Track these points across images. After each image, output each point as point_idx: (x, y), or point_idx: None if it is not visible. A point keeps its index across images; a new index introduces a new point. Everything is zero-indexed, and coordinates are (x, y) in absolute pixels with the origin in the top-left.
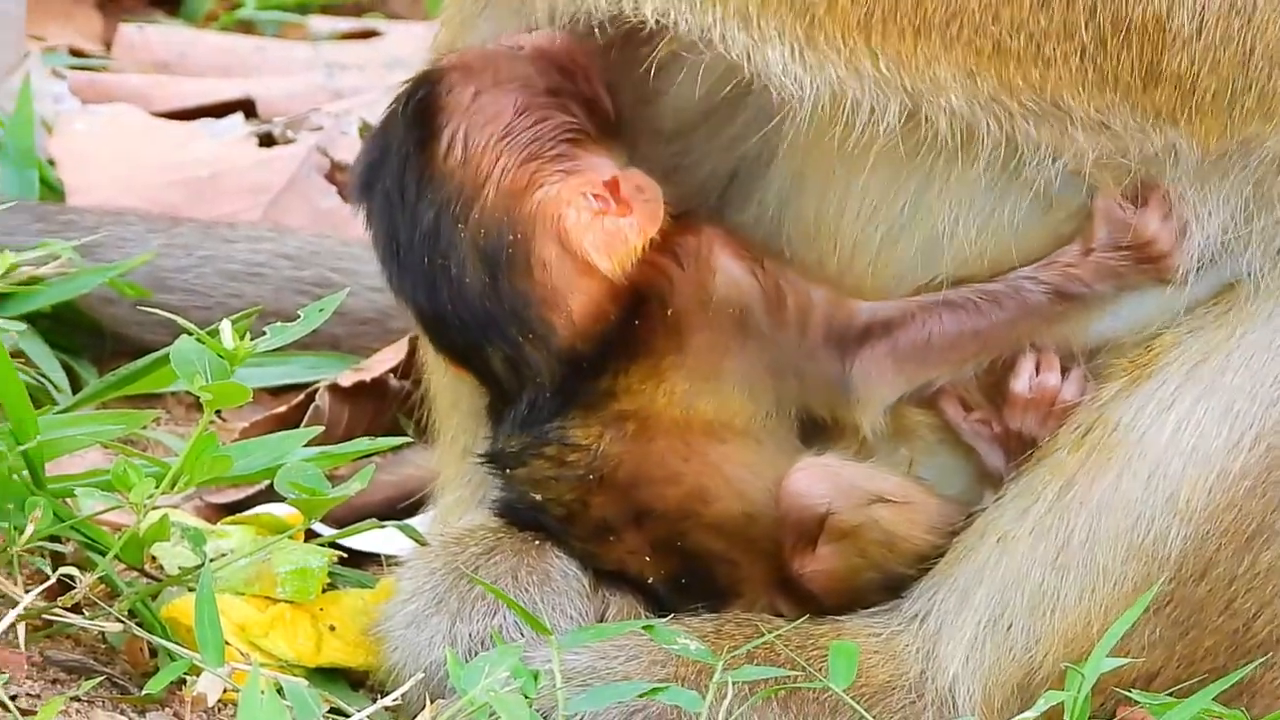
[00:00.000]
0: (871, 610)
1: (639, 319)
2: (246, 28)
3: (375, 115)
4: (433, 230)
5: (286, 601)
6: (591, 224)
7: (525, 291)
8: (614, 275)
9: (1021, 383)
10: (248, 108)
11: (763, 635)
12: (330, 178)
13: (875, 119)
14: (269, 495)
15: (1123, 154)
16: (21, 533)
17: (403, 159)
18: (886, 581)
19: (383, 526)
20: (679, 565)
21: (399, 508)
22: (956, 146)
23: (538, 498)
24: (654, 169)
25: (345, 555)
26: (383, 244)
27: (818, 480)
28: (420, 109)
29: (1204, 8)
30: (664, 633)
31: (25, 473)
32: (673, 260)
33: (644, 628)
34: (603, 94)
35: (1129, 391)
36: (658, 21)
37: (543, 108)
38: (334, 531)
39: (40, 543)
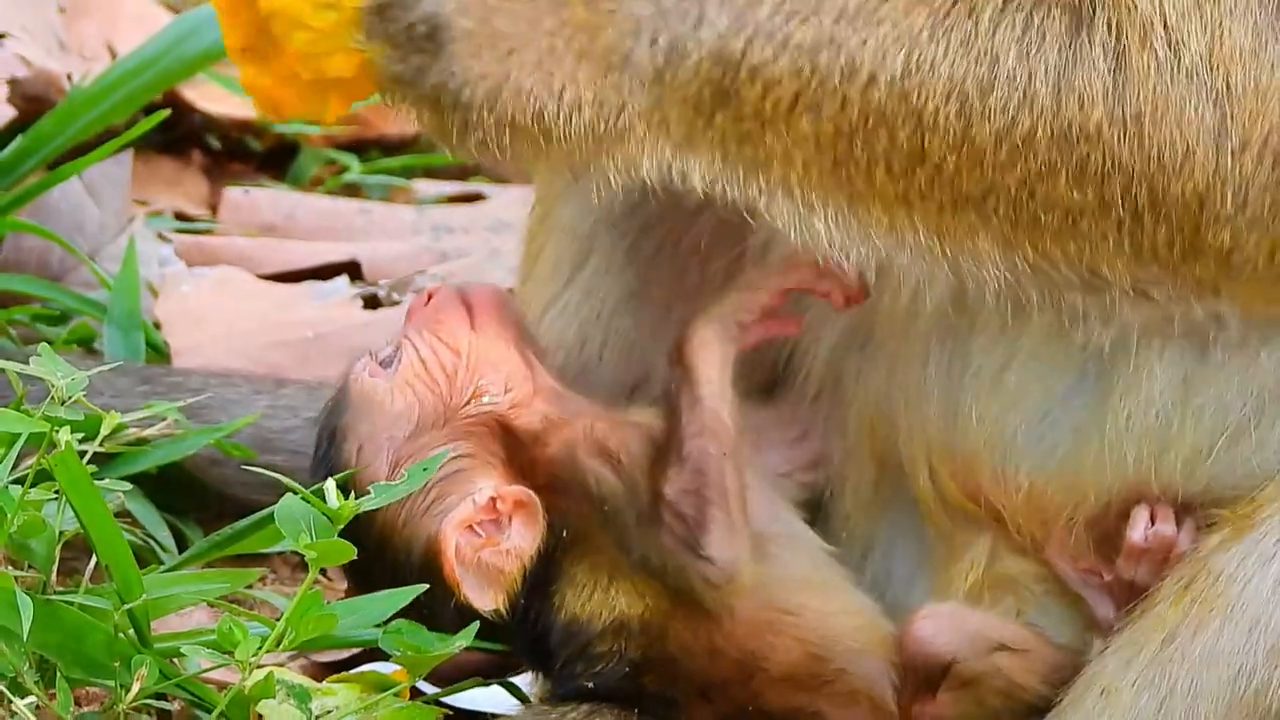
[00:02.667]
0: None
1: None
2: (352, 191)
3: (479, 278)
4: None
5: None
6: (472, 565)
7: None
8: (499, 605)
9: (1138, 533)
10: (353, 270)
11: None
12: None
13: (923, 288)
14: (374, 653)
15: (1168, 321)
16: (128, 691)
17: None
18: None
19: (487, 684)
20: None
21: (504, 664)
22: (1006, 317)
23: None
24: None
25: (450, 713)
26: None
27: (944, 628)
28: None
29: (1248, 183)
30: None
31: (131, 631)
32: (549, 489)
33: None
34: (505, 360)
35: (1231, 543)
36: (705, 192)
37: (423, 436)
38: (438, 690)
39: (146, 700)
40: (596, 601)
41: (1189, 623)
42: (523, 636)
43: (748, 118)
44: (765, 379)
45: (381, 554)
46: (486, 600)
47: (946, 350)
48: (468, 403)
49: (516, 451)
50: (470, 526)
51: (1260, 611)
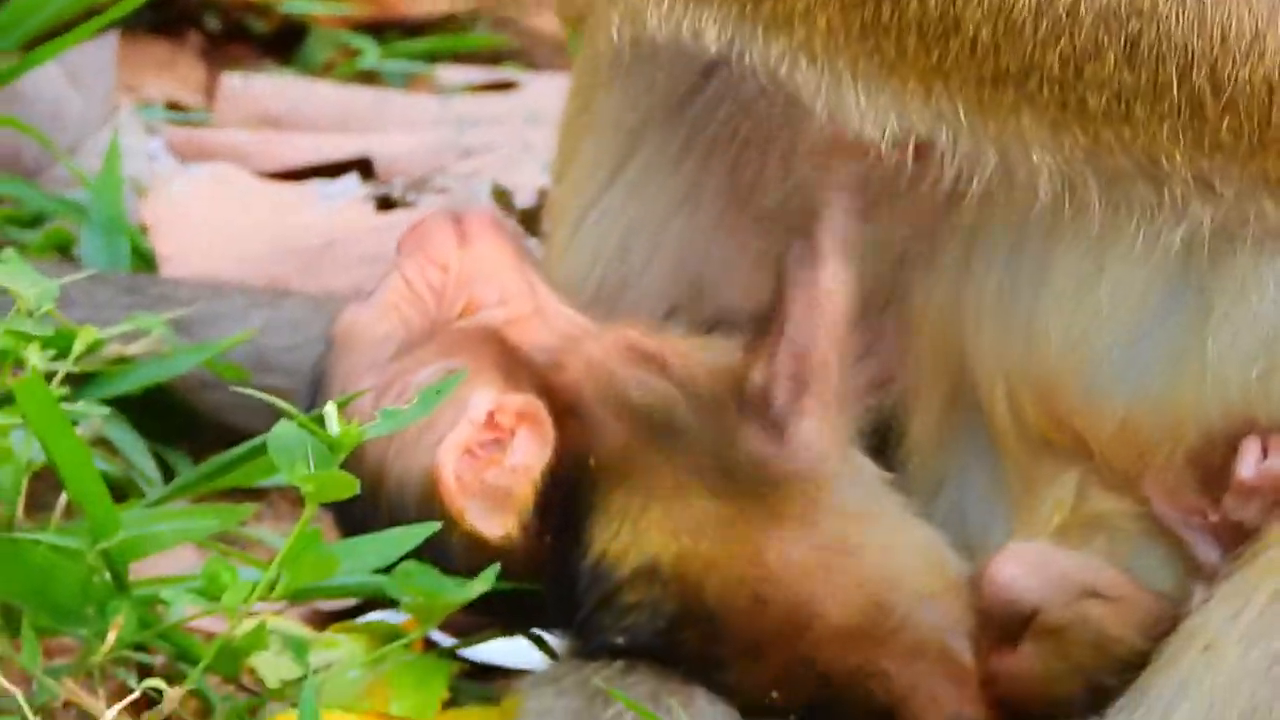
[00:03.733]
0: None
1: (569, 491)
2: (368, 79)
3: (509, 176)
4: None
5: (401, 719)
6: (475, 490)
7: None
8: (511, 531)
9: (1248, 467)
10: (365, 167)
11: None
12: None
13: (968, 171)
14: (382, 600)
15: (1241, 221)
16: (103, 641)
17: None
18: (1089, 690)
19: (510, 635)
20: (823, 689)
21: (527, 615)
22: (1086, 221)
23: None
24: None
25: (468, 667)
26: None
27: (1028, 570)
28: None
29: None
30: None
31: (107, 574)
32: (569, 415)
33: None
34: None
35: None
36: (719, 52)
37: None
38: (454, 641)
39: (124, 652)
40: (626, 537)
41: None
42: (546, 581)
43: None
44: None
45: (375, 496)
46: (495, 527)
47: (1023, 260)
48: (459, 315)
49: (520, 368)
50: (469, 449)
51: None
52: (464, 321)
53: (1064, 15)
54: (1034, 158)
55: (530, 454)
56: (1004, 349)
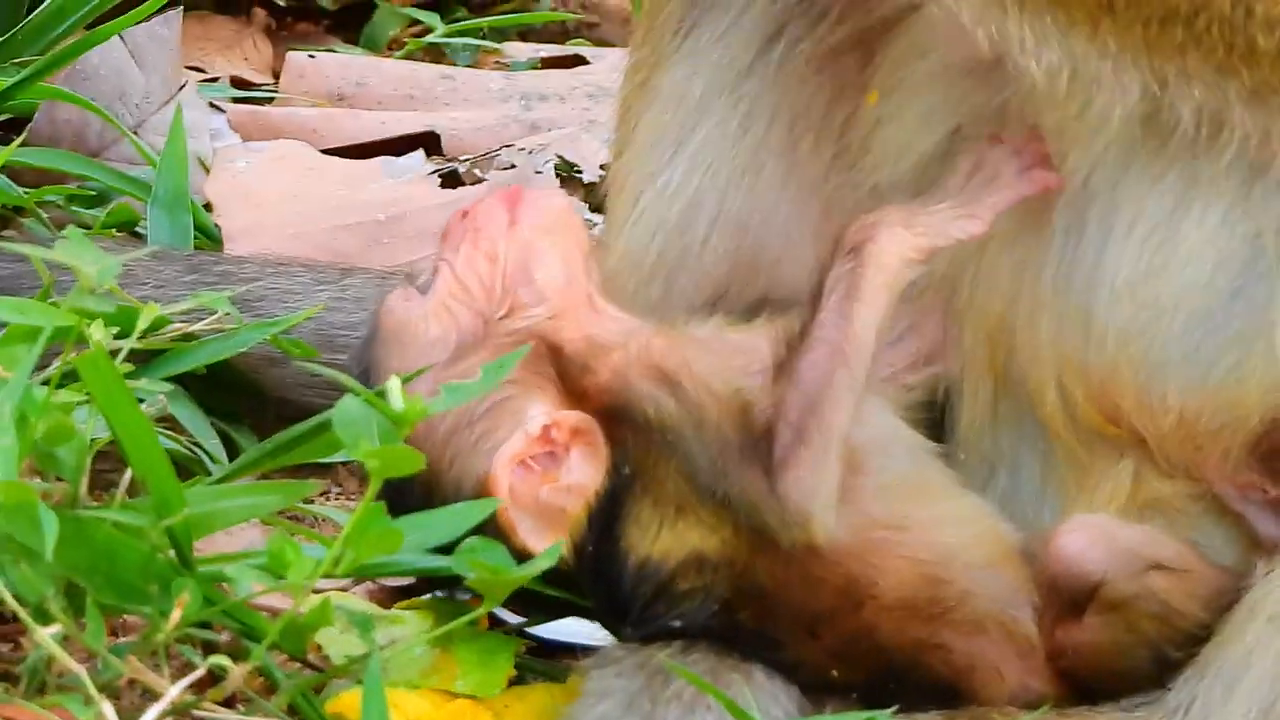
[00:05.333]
0: (1129, 700)
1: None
2: (434, 55)
3: (575, 152)
4: None
5: (467, 697)
6: (529, 506)
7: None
8: (565, 542)
9: None
10: (431, 143)
11: None
12: None
13: (1114, 101)
14: (450, 577)
15: None
16: (167, 618)
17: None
18: (1154, 663)
19: (578, 614)
20: (882, 665)
21: None
22: (1202, 146)
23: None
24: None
25: (534, 644)
26: None
27: (1092, 542)
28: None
29: None
30: None
31: (171, 552)
32: (607, 420)
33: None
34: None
35: None
36: None
37: (462, 360)
38: (520, 619)
39: (188, 630)
40: (666, 539)
41: None
42: (592, 584)
43: None
44: None
45: (429, 500)
46: (546, 543)
47: (1081, 251)
48: (507, 316)
49: (570, 374)
50: (524, 461)
51: None
52: (513, 322)
53: None
54: (1190, 95)
55: (585, 473)
56: (1057, 342)
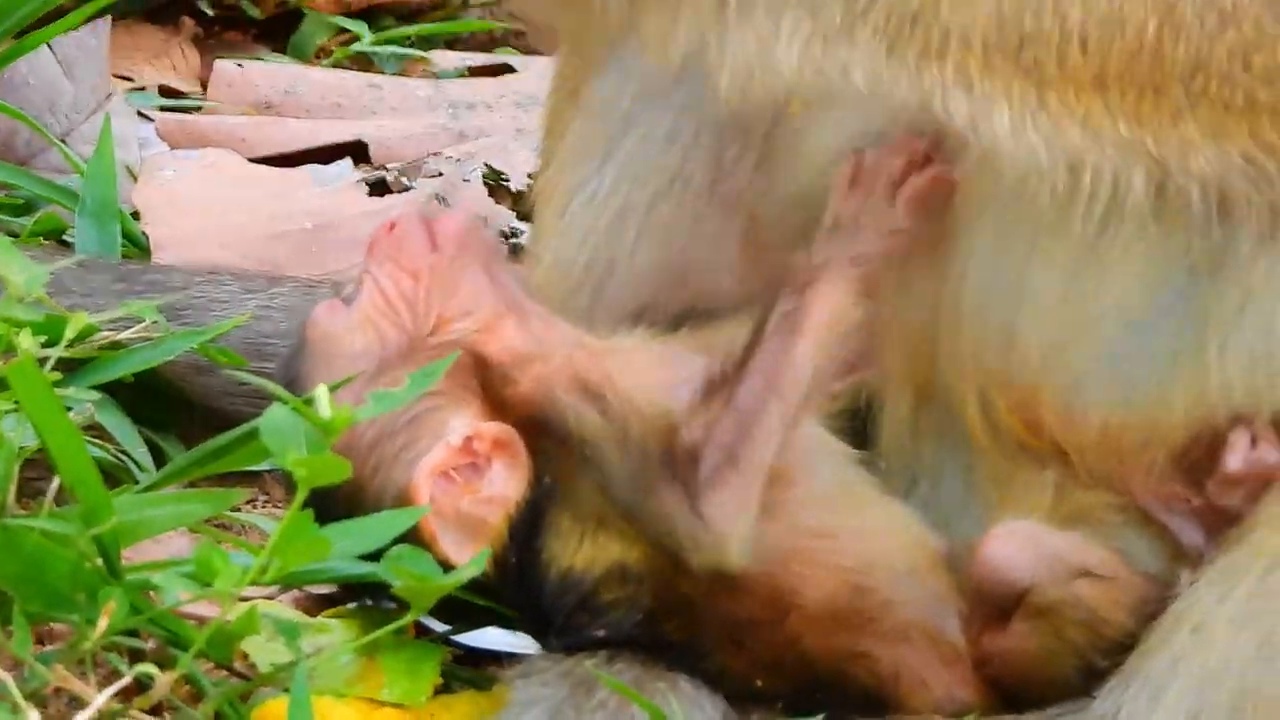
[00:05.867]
0: (1054, 709)
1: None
2: (362, 64)
3: (503, 160)
4: None
5: (393, 705)
6: (450, 517)
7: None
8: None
9: (1236, 459)
10: (358, 152)
11: None
12: None
13: (1120, 191)
14: (377, 585)
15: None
16: (94, 627)
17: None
18: (1080, 671)
19: (503, 622)
20: (808, 674)
21: None
22: (1211, 221)
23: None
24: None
25: (460, 653)
26: None
27: (1020, 549)
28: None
29: None
30: None
31: (99, 560)
32: (527, 431)
33: None
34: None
35: None
36: (870, 90)
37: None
38: (446, 627)
39: (115, 638)
40: (588, 551)
41: None
42: (515, 594)
43: None
44: None
45: (352, 512)
46: (466, 555)
47: (1002, 256)
48: (433, 331)
49: (493, 386)
50: (445, 473)
51: None
52: (437, 338)
53: (1230, 4)
54: (1194, 168)
55: (507, 485)
56: (979, 355)
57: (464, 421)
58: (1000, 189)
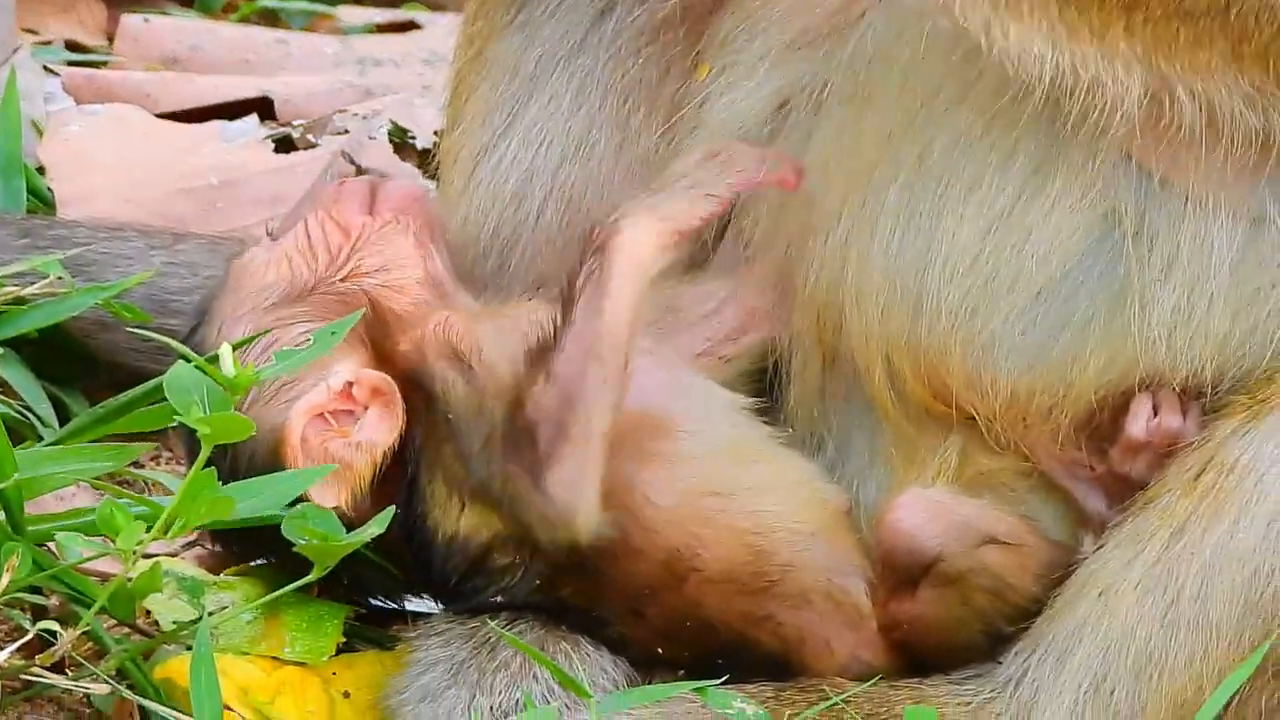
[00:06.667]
0: (960, 674)
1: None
2: (270, 19)
3: (409, 118)
4: None
5: (295, 663)
6: (317, 457)
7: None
8: (344, 504)
9: (1139, 426)
10: (264, 108)
11: (829, 699)
12: None
13: (1115, 101)
14: (279, 543)
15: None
16: None
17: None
18: (987, 636)
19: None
20: (710, 641)
21: None
22: (1200, 135)
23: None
24: None
25: (363, 611)
26: None
27: (928, 517)
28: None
29: None
30: (718, 695)
31: (2, 515)
32: (406, 389)
33: (695, 690)
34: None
35: (1246, 429)
36: None
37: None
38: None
39: (18, 594)
40: (470, 517)
41: (1199, 517)
42: (411, 558)
43: None
44: (691, 254)
45: (230, 445)
46: (328, 497)
47: (908, 219)
48: (342, 280)
49: (379, 339)
50: (322, 414)
51: None
52: (342, 285)
53: None
54: (1199, 88)
55: (377, 432)
56: (885, 320)
57: (347, 366)
58: (912, 142)
